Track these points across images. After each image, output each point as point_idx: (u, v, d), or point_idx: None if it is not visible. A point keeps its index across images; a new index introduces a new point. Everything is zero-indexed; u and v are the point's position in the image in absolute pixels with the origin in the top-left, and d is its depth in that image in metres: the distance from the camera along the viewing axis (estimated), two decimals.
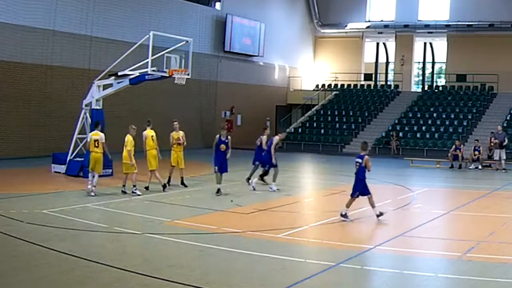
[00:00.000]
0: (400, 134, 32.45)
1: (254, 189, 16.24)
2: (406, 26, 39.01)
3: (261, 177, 17.23)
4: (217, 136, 16.17)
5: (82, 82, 23.77)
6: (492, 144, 24.81)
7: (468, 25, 36.86)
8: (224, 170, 15.83)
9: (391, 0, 40.09)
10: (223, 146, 15.87)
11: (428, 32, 39.01)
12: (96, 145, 15.15)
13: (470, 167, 24.51)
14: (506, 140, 24.65)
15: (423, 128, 32.85)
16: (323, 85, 40.39)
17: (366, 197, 12.29)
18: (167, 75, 18.07)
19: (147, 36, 18.01)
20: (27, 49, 23.77)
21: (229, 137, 16.36)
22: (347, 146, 32.41)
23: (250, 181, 16.91)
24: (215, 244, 9.78)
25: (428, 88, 38.98)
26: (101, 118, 19.13)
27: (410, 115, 34.60)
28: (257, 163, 17.67)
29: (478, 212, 13.83)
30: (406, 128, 33.20)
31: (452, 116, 33.27)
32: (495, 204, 15.12)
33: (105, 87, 19.21)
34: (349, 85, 40.41)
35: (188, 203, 14.24)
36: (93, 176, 14.80)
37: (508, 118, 31.84)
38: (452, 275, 8.27)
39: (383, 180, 19.14)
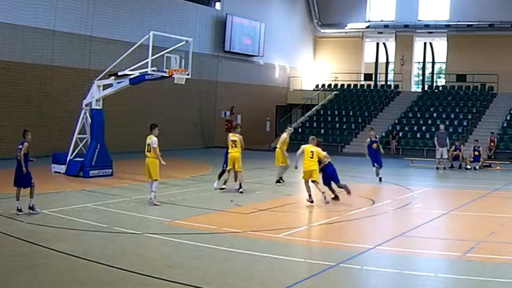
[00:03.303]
0: (400, 134, 32.45)
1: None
2: (406, 26, 39.02)
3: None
4: (368, 139, 19.46)
5: (82, 82, 23.77)
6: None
7: (468, 25, 36.87)
8: (381, 164, 18.86)
9: (391, 0, 40.10)
10: (375, 145, 18.94)
11: (428, 32, 39.02)
12: (148, 149, 13.77)
13: (468, 167, 24.49)
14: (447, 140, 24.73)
15: (423, 128, 32.84)
16: (323, 85, 40.39)
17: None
18: (167, 75, 18.07)
19: (147, 36, 18.00)
20: (27, 49, 23.78)
21: (377, 136, 19.45)
22: (347, 146, 32.39)
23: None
24: (215, 244, 9.77)
25: (428, 88, 38.97)
26: (101, 118, 19.16)
27: (410, 115, 34.59)
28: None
29: (478, 212, 13.83)
30: (406, 128, 33.18)
31: (452, 116, 33.26)
32: (495, 204, 15.12)
33: (105, 87, 19.20)
34: (349, 85, 40.41)
35: (188, 203, 14.24)
36: (151, 184, 13.70)
37: (508, 118, 31.83)
38: (452, 275, 8.27)
39: (383, 180, 19.14)
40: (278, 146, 18.34)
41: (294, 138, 34.49)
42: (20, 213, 11.82)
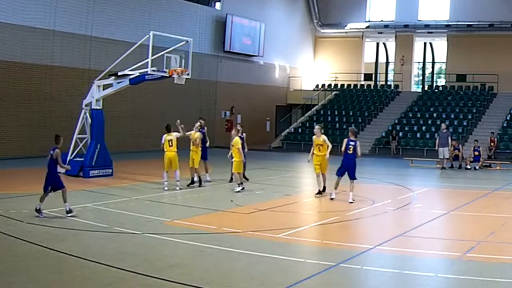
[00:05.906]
0: (400, 134, 32.44)
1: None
2: (406, 26, 39.03)
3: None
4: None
5: (82, 82, 23.77)
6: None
7: (468, 25, 36.88)
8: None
9: (391, 0, 40.10)
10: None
11: (428, 32, 39.03)
12: (171, 144, 15.93)
13: (468, 167, 24.47)
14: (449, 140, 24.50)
15: (423, 128, 32.85)
16: (323, 85, 40.41)
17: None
18: (167, 75, 18.07)
19: (147, 36, 17.99)
20: (27, 49, 23.79)
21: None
22: None
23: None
24: (215, 244, 9.77)
25: (428, 88, 38.99)
26: (101, 118, 19.15)
27: (410, 115, 34.59)
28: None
29: (478, 212, 13.82)
30: (406, 128, 33.18)
31: (452, 116, 33.26)
32: (495, 204, 15.11)
33: (105, 87, 19.19)
34: (349, 85, 40.42)
35: (188, 203, 14.25)
36: (167, 176, 16.03)
37: (508, 118, 31.84)
38: (452, 275, 8.27)
39: (383, 180, 19.15)
40: None
41: (293, 138, 34.68)
42: (38, 214, 11.66)
